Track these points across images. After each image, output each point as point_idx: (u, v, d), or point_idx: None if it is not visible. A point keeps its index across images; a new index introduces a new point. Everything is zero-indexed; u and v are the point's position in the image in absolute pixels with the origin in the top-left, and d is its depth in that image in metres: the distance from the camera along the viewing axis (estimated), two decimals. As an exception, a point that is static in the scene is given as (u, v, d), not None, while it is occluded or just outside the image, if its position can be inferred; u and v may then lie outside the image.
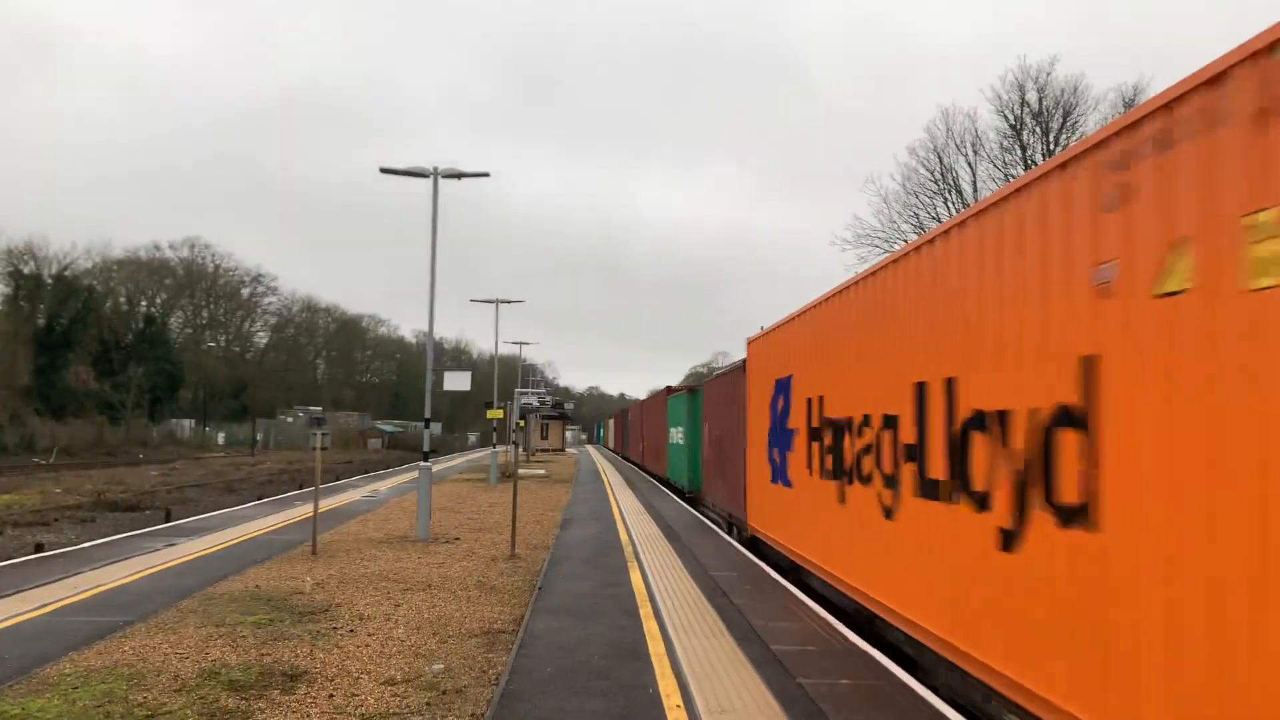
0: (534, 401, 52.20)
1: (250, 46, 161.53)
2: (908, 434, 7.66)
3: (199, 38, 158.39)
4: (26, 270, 66.42)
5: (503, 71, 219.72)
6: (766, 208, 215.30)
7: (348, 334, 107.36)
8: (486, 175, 18.47)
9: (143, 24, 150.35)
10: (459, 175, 17.94)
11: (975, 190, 40.34)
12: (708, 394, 22.06)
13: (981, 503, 6.16)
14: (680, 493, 26.76)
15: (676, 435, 28.26)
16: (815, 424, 10.77)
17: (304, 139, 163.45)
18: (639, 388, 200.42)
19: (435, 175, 17.73)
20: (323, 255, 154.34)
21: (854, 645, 8.49)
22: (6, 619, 9.23)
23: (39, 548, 15.09)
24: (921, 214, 41.79)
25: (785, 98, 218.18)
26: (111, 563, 13.04)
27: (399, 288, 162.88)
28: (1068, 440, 5.08)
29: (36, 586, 11.05)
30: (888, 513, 8.16)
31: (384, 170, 17.66)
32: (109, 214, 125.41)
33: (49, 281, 67.44)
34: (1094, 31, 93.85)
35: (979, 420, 6.23)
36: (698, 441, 23.93)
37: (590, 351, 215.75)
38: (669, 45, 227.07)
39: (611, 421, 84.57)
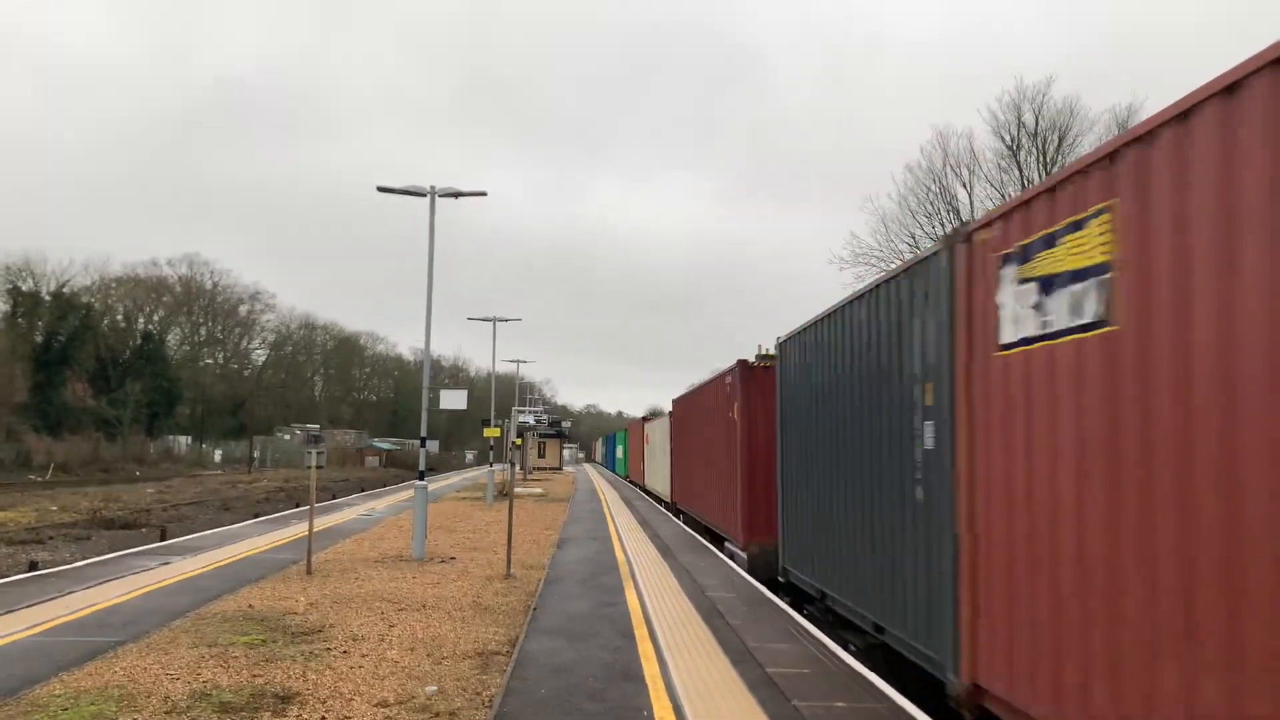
0: (531, 419, 52.08)
1: (173, 38, 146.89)
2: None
3: (117, 28, 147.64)
4: (25, 287, 66.41)
5: (446, 71, 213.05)
6: (742, 216, 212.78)
7: (345, 351, 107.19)
8: (484, 194, 18.51)
9: (57, 13, 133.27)
10: (456, 194, 17.99)
11: (972, 210, 40.48)
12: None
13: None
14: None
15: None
16: None
17: (244, 138, 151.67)
18: (636, 405, 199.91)
19: (433, 195, 17.78)
20: (294, 263, 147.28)
21: (850, 668, 8.45)
22: (-3, 639, 9.18)
23: (33, 566, 15.02)
24: (918, 233, 41.89)
25: (746, 98, 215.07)
26: (105, 581, 12.97)
27: (386, 302, 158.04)
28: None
29: (29, 606, 10.99)
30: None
31: (381, 189, 17.71)
32: (47, 222, 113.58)
33: (47, 298, 67.38)
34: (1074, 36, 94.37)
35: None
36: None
37: (587, 369, 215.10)
38: (622, 46, 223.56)
39: (656, 425, 37.57)
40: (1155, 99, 39.50)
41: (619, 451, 65.28)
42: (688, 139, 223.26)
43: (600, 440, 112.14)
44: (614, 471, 69.91)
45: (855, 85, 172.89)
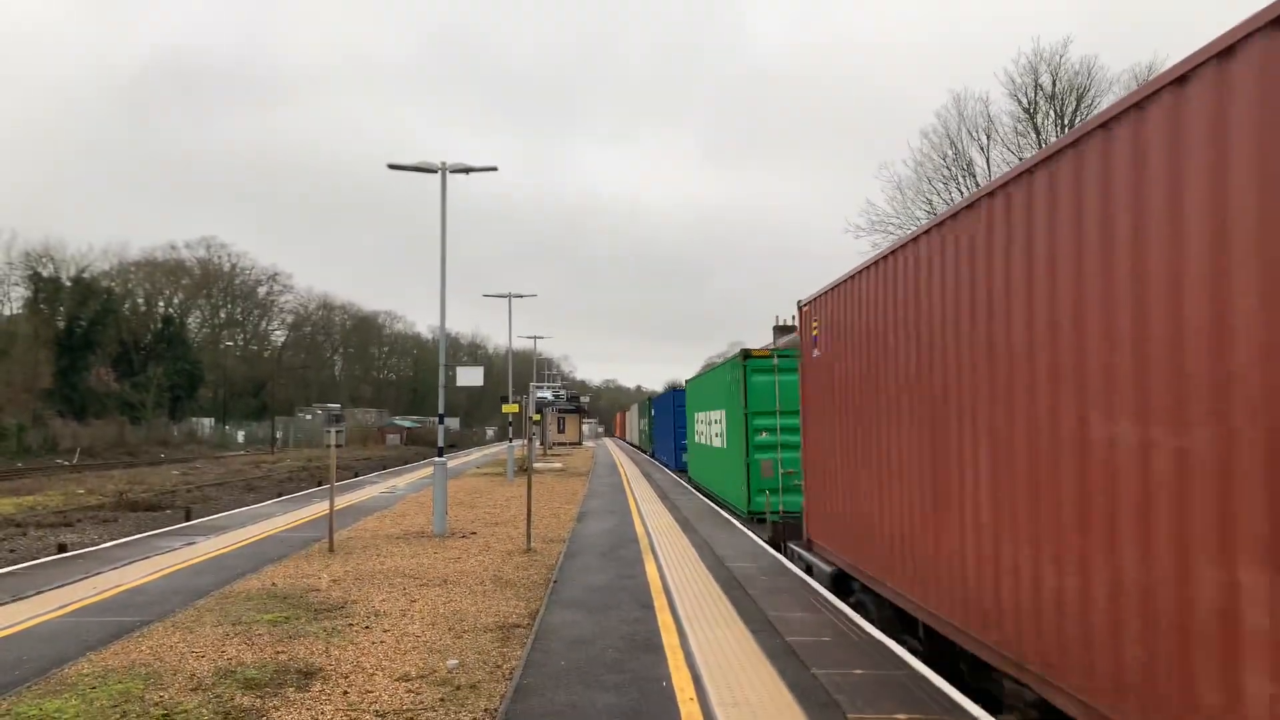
0: (549, 395, 52.32)
1: (117, 5, 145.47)
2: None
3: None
4: (45, 273, 66.99)
5: (406, 33, 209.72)
6: (732, 180, 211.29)
7: (364, 331, 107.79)
8: (494, 169, 18.45)
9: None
10: (467, 170, 17.93)
11: (990, 174, 39.98)
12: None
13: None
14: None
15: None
16: None
17: (203, 108, 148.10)
18: (655, 379, 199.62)
19: (444, 171, 17.74)
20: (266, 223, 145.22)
21: (870, 636, 8.45)
22: (27, 620, 9.32)
23: (62, 548, 15.24)
24: (935, 199, 41.46)
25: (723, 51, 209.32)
26: (131, 562, 13.15)
27: (403, 282, 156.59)
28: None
29: (57, 587, 11.15)
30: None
31: (391, 166, 17.66)
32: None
33: (67, 284, 67.95)
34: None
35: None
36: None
37: (605, 345, 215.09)
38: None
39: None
40: (1178, 55, 38.73)
41: (700, 430, 26.09)
42: (666, 97, 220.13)
43: (635, 409, 73.00)
44: (692, 476, 29.43)
45: (841, 34, 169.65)
